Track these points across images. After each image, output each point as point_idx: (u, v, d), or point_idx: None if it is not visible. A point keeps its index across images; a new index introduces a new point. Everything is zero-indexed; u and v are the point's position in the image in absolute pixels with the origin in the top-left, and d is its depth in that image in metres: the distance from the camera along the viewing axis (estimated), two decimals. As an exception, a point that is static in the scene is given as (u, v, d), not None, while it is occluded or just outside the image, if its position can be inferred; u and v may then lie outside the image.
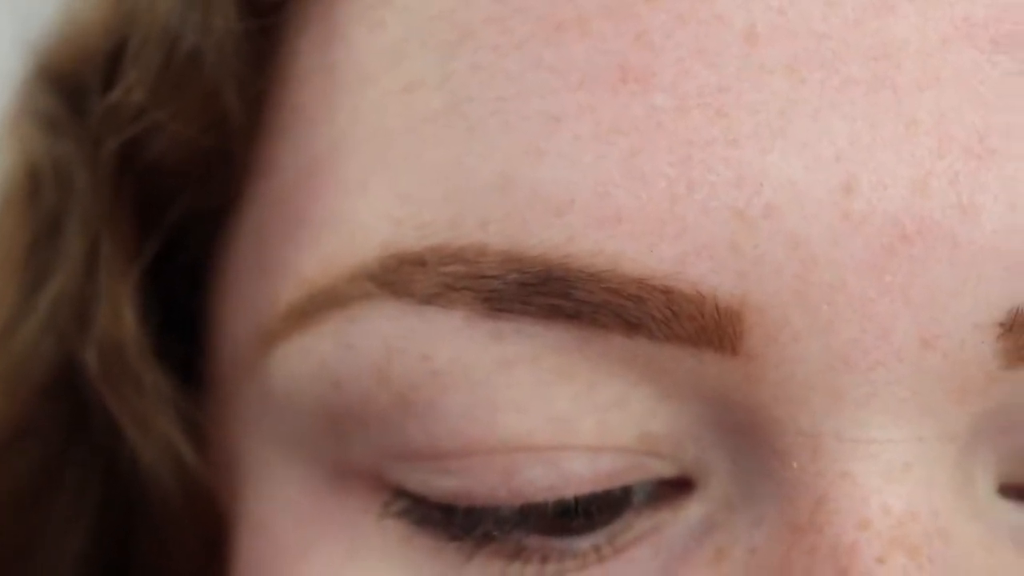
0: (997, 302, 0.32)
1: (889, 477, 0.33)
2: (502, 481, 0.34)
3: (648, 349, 0.33)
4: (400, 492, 0.36)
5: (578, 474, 0.34)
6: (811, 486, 0.33)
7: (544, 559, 0.35)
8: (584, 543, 0.35)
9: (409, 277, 0.34)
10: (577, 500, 0.34)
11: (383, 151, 0.35)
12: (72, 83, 0.41)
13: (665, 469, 0.34)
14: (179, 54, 0.38)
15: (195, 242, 0.40)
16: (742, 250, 0.32)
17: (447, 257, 0.34)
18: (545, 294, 0.33)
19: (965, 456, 0.33)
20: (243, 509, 0.39)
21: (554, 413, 0.34)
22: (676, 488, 0.35)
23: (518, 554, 0.35)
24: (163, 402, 0.39)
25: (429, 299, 0.34)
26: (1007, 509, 0.34)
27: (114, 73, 0.39)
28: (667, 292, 0.33)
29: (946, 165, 0.32)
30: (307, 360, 0.36)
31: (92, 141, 0.40)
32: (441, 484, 0.35)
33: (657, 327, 0.33)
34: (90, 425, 0.41)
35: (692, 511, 0.34)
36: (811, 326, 0.32)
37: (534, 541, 0.35)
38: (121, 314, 0.39)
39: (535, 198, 0.33)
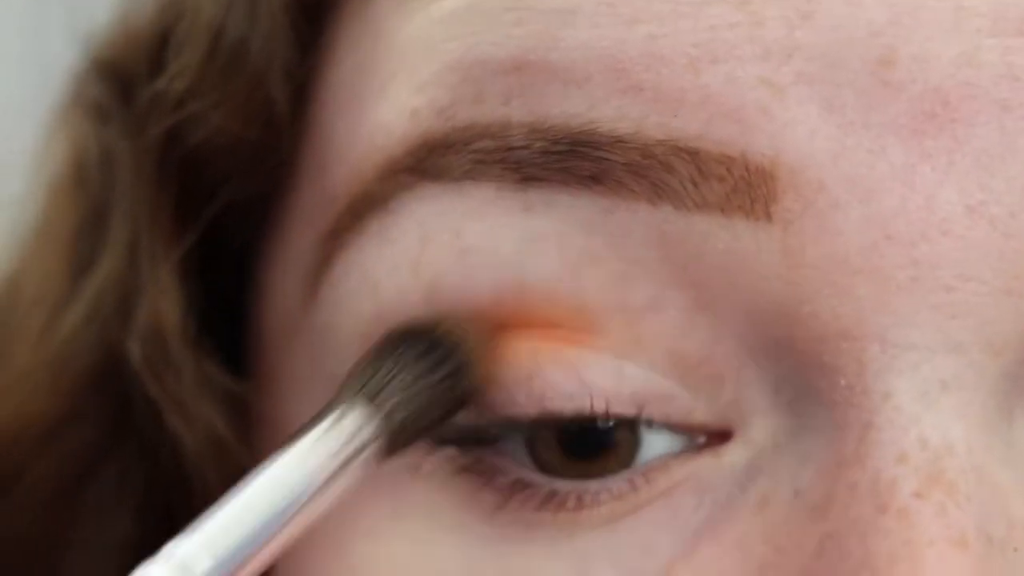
0: None
1: (926, 400, 0.32)
2: (524, 383, 0.34)
3: (676, 223, 0.33)
4: (436, 437, 0.35)
5: (600, 385, 0.34)
6: (859, 408, 0.32)
7: (579, 502, 0.34)
8: (618, 481, 0.34)
9: (440, 160, 0.34)
10: (601, 428, 0.34)
11: (400, 57, 0.36)
12: (121, 72, 0.42)
13: (697, 410, 0.34)
14: (224, 43, 0.38)
15: (241, 229, 0.40)
16: (772, 113, 0.32)
17: (474, 135, 0.34)
18: (571, 159, 0.33)
19: (1007, 388, 0.32)
20: None
21: (583, 301, 0.34)
22: (712, 435, 0.34)
23: (551, 498, 0.34)
24: (206, 391, 0.39)
25: (463, 176, 0.34)
26: None
27: (160, 62, 0.39)
28: (693, 153, 0.32)
29: (997, 42, 0.31)
30: (350, 275, 0.36)
31: (136, 130, 0.40)
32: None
33: (684, 190, 0.32)
34: (134, 412, 0.41)
35: (735, 456, 0.34)
36: (850, 193, 0.32)
37: (566, 485, 0.34)
38: (163, 303, 0.39)
39: (553, 76, 0.33)
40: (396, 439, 0.34)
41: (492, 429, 0.35)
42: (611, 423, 0.34)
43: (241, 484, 0.33)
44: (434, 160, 0.35)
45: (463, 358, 0.34)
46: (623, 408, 0.34)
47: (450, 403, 0.34)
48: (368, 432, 0.34)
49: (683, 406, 0.34)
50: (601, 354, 0.34)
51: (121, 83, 0.41)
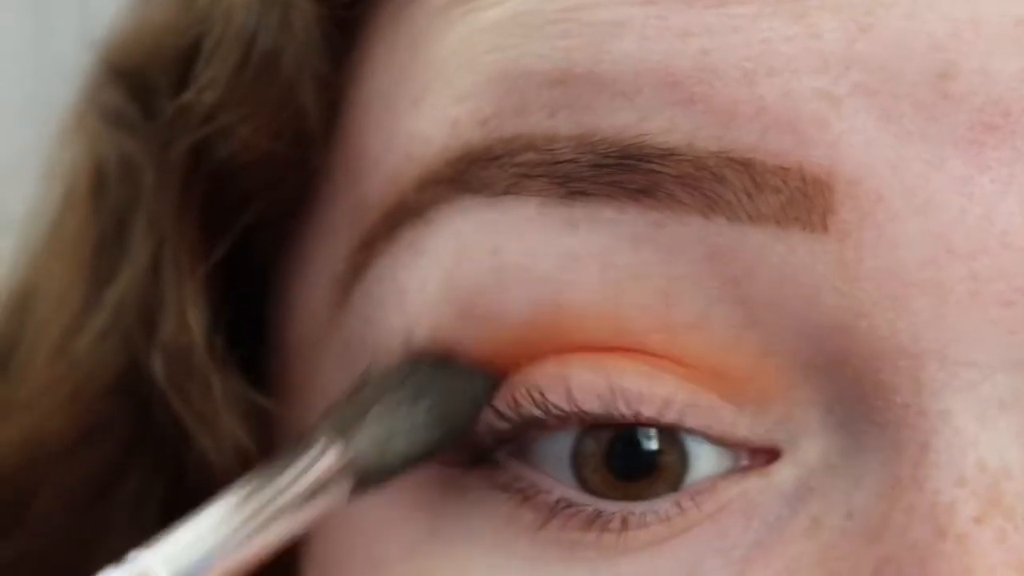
0: None
1: (984, 420, 0.31)
2: (557, 387, 0.33)
3: (729, 236, 0.32)
4: (474, 452, 0.35)
5: (631, 389, 0.33)
6: (916, 429, 0.31)
7: (624, 524, 0.33)
8: (665, 503, 0.33)
9: (482, 172, 0.34)
10: (646, 450, 0.34)
11: (438, 68, 0.35)
12: (141, 81, 0.41)
13: (740, 424, 0.33)
14: (255, 54, 0.37)
15: (266, 241, 0.40)
16: (829, 124, 0.31)
17: (519, 147, 0.33)
18: (620, 172, 0.33)
19: None
20: None
21: (622, 321, 0.33)
22: (759, 454, 0.33)
23: (596, 519, 0.34)
24: (233, 406, 0.39)
25: (505, 190, 0.34)
26: None
27: (187, 73, 0.39)
28: (747, 164, 0.32)
29: None
30: (383, 285, 0.35)
31: (160, 141, 0.39)
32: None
33: (738, 202, 0.32)
34: (155, 427, 0.40)
35: (785, 476, 0.33)
36: (908, 204, 0.31)
37: (612, 506, 0.34)
38: (187, 319, 0.38)
39: (601, 88, 0.33)
40: (365, 476, 0.34)
41: (532, 443, 0.34)
42: (656, 444, 0.34)
43: (210, 503, 0.34)
44: (475, 172, 0.34)
45: (447, 402, 0.34)
46: (656, 413, 0.33)
47: (429, 444, 0.34)
48: (336, 467, 0.34)
49: (725, 419, 0.33)
50: (635, 362, 0.33)
51: (143, 92, 0.40)
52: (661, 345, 0.33)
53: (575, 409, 0.34)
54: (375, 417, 0.34)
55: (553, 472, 0.34)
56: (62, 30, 0.45)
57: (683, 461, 0.34)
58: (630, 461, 0.34)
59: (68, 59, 0.43)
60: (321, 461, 0.33)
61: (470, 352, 0.34)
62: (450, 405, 0.34)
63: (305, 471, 0.33)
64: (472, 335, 0.34)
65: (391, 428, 0.34)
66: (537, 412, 0.34)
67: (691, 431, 0.33)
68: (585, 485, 0.34)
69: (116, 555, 0.41)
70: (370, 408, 0.34)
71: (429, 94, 0.35)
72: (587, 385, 0.33)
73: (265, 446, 0.39)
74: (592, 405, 0.33)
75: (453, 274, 0.34)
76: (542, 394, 0.34)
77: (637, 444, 0.34)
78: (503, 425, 0.34)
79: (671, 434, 0.34)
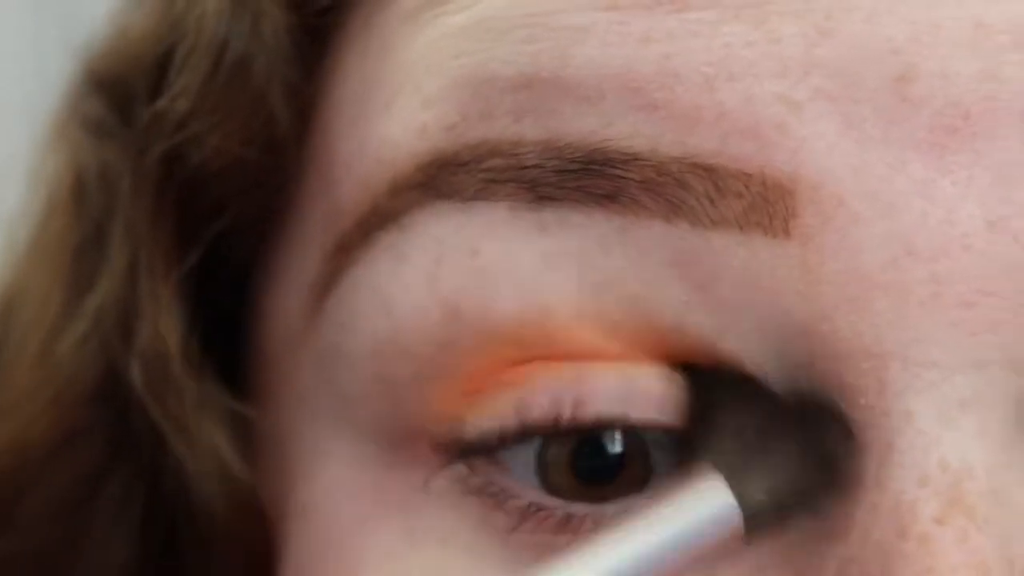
0: None
1: (946, 420, 0.31)
2: (572, 387, 0.33)
3: (691, 241, 0.32)
4: (451, 454, 0.35)
5: (650, 391, 0.33)
6: (880, 429, 0.31)
7: (596, 526, 0.34)
8: (636, 504, 0.33)
9: (451, 178, 0.34)
10: (611, 454, 0.34)
11: (407, 72, 0.35)
12: (120, 89, 0.41)
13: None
14: (226, 62, 0.37)
15: (241, 247, 0.40)
16: (790, 129, 0.32)
17: (485, 152, 0.34)
18: (585, 178, 0.33)
19: None
20: (294, 502, 0.38)
21: (609, 324, 0.33)
22: None
23: (568, 521, 0.34)
24: (209, 412, 0.39)
25: (475, 195, 0.34)
26: None
27: (161, 81, 0.39)
28: (710, 170, 0.32)
29: (1020, 57, 0.31)
30: (359, 292, 0.35)
31: (136, 149, 0.39)
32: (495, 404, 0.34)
33: (700, 207, 0.32)
34: (134, 433, 0.40)
35: None
36: (870, 208, 0.31)
37: (582, 508, 0.34)
38: (163, 325, 0.39)
39: (565, 93, 0.33)
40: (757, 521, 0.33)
41: (500, 448, 0.34)
42: (620, 447, 0.34)
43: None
44: (445, 178, 0.34)
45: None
46: (670, 421, 0.33)
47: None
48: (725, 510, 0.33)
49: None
50: (649, 365, 0.33)
51: (121, 100, 0.41)
52: (652, 349, 0.33)
53: (593, 411, 0.34)
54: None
55: (519, 475, 0.34)
56: (62, 30, 0.45)
57: (646, 463, 0.34)
58: (596, 464, 0.34)
59: (68, 60, 0.44)
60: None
61: (466, 353, 0.34)
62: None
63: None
64: (465, 336, 0.34)
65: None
66: (549, 419, 0.34)
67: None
68: (552, 489, 0.34)
69: (101, 559, 0.42)
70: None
71: (399, 98, 0.35)
72: (608, 391, 0.33)
73: (243, 450, 0.39)
74: (611, 408, 0.34)
75: (435, 278, 0.34)
76: (558, 397, 0.34)
77: (602, 447, 0.34)
78: (509, 429, 0.34)
79: (634, 436, 0.34)
